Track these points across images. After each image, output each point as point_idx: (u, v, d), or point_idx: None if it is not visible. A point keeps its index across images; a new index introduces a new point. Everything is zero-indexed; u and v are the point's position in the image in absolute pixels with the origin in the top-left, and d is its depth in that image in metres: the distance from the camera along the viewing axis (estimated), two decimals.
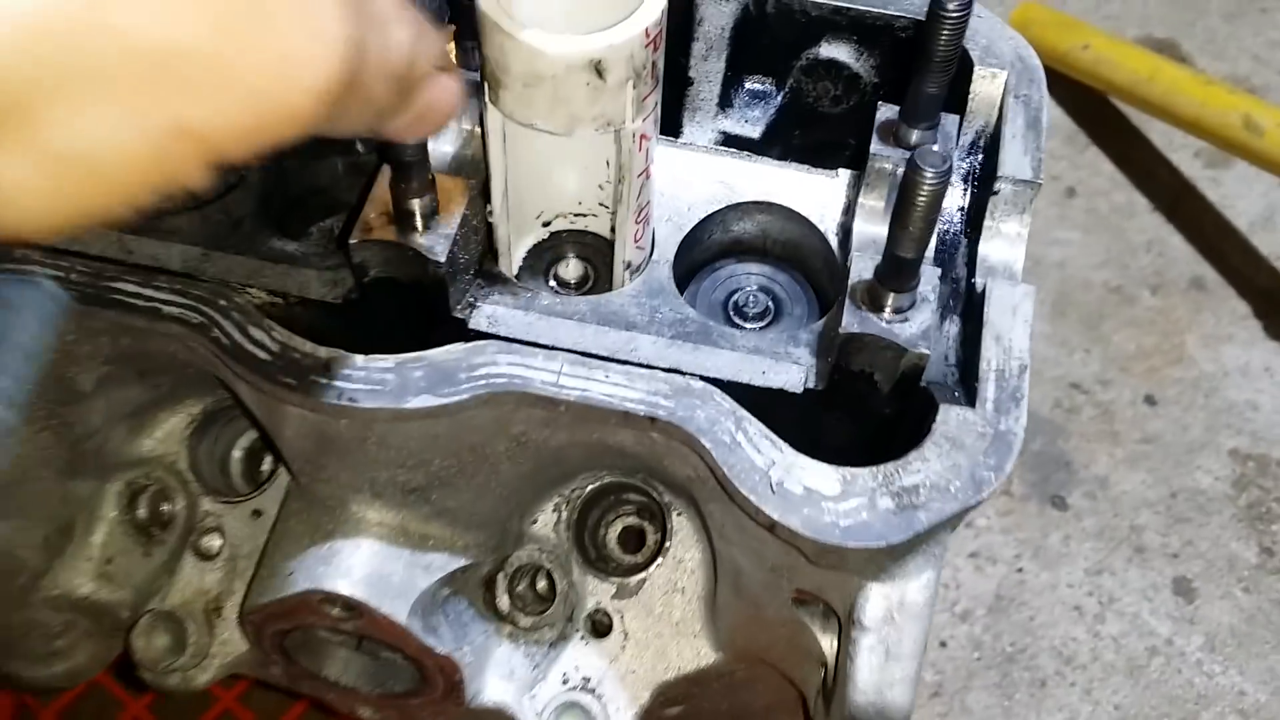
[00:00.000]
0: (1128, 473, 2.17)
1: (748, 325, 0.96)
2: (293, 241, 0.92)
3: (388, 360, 0.77)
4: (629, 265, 0.90)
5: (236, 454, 1.04)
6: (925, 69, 0.83)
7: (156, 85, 0.39)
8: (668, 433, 0.77)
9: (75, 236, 0.89)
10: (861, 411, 0.84)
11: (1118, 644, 2.06)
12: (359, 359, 0.77)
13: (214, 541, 0.98)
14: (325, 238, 1.05)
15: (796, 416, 0.86)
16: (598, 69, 0.73)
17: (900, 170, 0.88)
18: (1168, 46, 2.57)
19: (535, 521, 0.97)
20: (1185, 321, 2.30)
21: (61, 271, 0.79)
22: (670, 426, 0.76)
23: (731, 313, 0.97)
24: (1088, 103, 2.45)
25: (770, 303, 0.97)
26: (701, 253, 0.98)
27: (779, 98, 1.00)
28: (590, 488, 0.98)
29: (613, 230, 0.92)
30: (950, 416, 0.76)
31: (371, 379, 0.76)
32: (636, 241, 0.90)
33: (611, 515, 1.04)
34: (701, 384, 0.77)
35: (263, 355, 0.77)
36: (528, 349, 0.78)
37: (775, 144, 1.02)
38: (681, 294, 0.96)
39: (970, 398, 0.78)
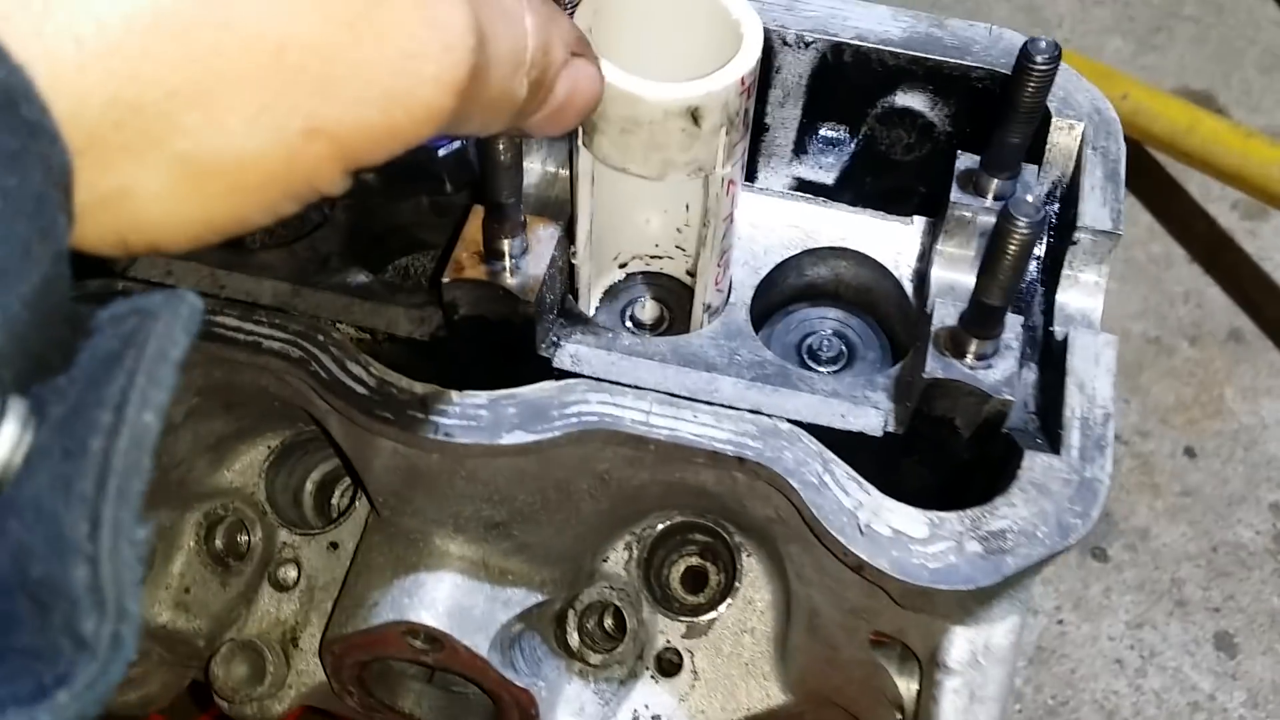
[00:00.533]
0: (1168, 525, 2.17)
1: (821, 369, 0.97)
2: (378, 278, 0.93)
3: (481, 396, 0.79)
4: (708, 308, 0.92)
5: (309, 487, 1.05)
6: (1009, 119, 0.85)
7: (281, 82, 0.38)
8: (755, 473, 0.78)
9: (169, 270, 0.91)
10: (940, 457, 0.85)
11: (1160, 698, 2.05)
12: (454, 395, 0.78)
13: (291, 573, 0.99)
14: (404, 275, 1.07)
15: (875, 460, 0.87)
16: (694, 116, 0.74)
17: (980, 218, 0.89)
18: (1204, 98, 2.59)
19: (607, 559, 0.98)
20: (1224, 373, 2.31)
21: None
22: (759, 467, 0.77)
23: (805, 356, 0.98)
24: (1127, 152, 2.47)
25: (844, 347, 0.98)
26: (777, 296, 1.00)
27: (852, 145, 1.02)
28: (660, 527, 0.99)
29: (690, 273, 0.94)
30: (1036, 463, 0.77)
31: (466, 414, 0.78)
32: (717, 285, 0.91)
33: (675, 555, 1.05)
34: (789, 425, 0.79)
35: (360, 390, 0.78)
36: (617, 388, 0.80)
37: (848, 190, 1.03)
38: (757, 333, 0.98)
39: (1054, 444, 0.79)
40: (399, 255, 1.06)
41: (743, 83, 0.75)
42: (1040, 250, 0.94)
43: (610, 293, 1.01)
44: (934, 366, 0.80)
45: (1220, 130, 2.21)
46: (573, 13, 0.75)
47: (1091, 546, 2.17)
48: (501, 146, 0.77)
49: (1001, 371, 0.80)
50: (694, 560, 1.05)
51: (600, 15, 0.77)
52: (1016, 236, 0.73)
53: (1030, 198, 0.74)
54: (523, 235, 0.84)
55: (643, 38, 0.79)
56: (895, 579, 0.73)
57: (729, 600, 0.99)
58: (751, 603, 0.98)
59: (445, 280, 0.84)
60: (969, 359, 0.81)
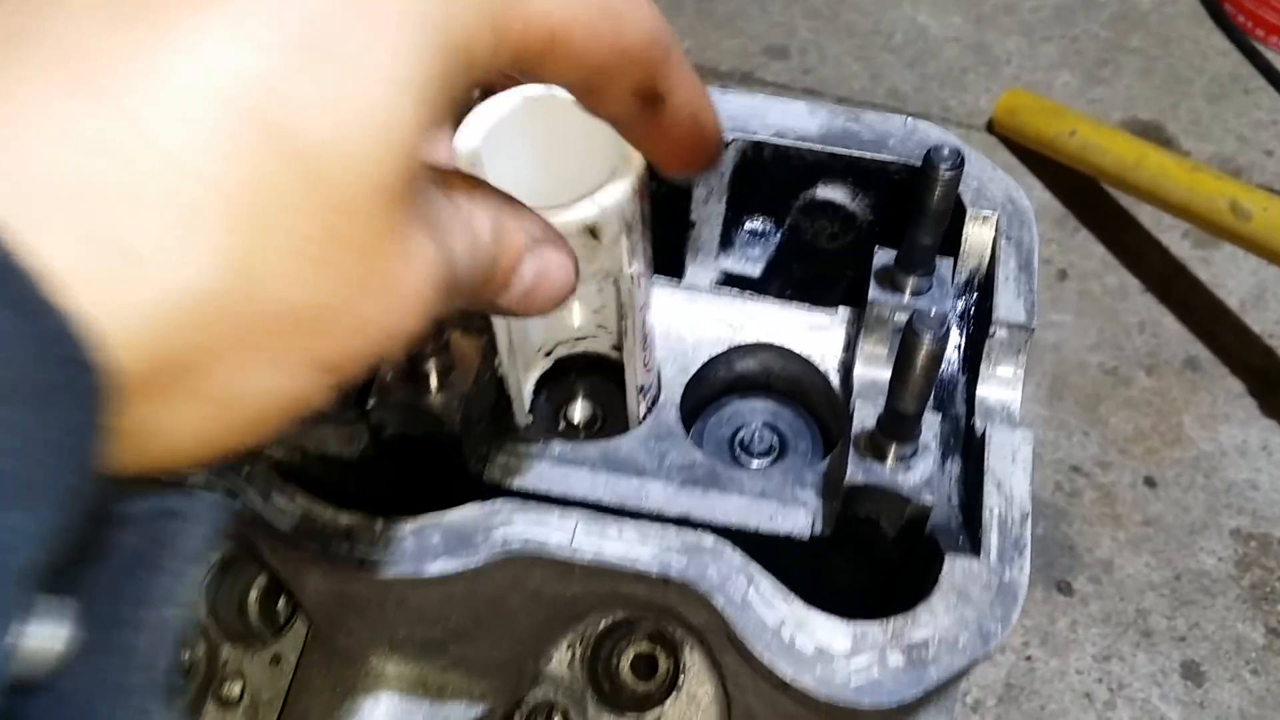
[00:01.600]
0: (1131, 556, 2.18)
1: (754, 462, 0.98)
2: None
3: (406, 524, 0.79)
4: (642, 389, 0.93)
5: (253, 595, 1.05)
6: (918, 222, 0.86)
7: (302, 337, 0.43)
8: (681, 591, 0.79)
9: None
10: (869, 556, 0.86)
11: None
12: (378, 523, 0.79)
13: (234, 689, 0.99)
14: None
15: (805, 560, 0.88)
16: (593, 232, 0.75)
17: (897, 315, 0.91)
18: (1153, 129, 2.62)
19: (550, 660, 0.99)
20: (1181, 401, 2.33)
21: None
22: (683, 585, 0.78)
23: (738, 449, 0.99)
24: (1077, 186, 2.49)
25: (775, 439, 0.99)
26: (707, 390, 1.01)
27: (778, 236, 1.03)
28: (603, 624, 1.00)
29: (615, 348, 0.94)
30: (956, 568, 0.78)
31: (391, 544, 0.78)
32: (645, 366, 0.92)
33: (624, 643, 1.05)
34: (713, 540, 0.79)
35: (285, 522, 0.79)
36: (543, 507, 0.81)
37: (776, 279, 1.05)
38: (689, 431, 0.99)
39: (975, 545, 0.81)
40: None
41: (635, 190, 0.76)
42: (962, 340, 0.95)
43: (543, 390, 1.02)
44: (854, 471, 0.82)
45: (1167, 164, 2.24)
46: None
47: (1057, 580, 2.19)
48: None
49: (920, 474, 0.81)
50: (643, 646, 1.05)
51: (487, 142, 0.78)
52: (921, 350, 0.74)
53: (934, 311, 0.75)
54: (446, 354, 0.85)
55: (531, 159, 0.81)
56: (820, 699, 0.73)
57: (673, 695, 0.99)
58: (695, 698, 0.99)
59: (370, 403, 0.84)
60: (889, 461, 0.82)
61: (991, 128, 2.62)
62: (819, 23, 2.80)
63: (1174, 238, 2.49)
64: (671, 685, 1.00)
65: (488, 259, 0.55)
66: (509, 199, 0.59)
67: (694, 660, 0.99)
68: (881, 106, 2.65)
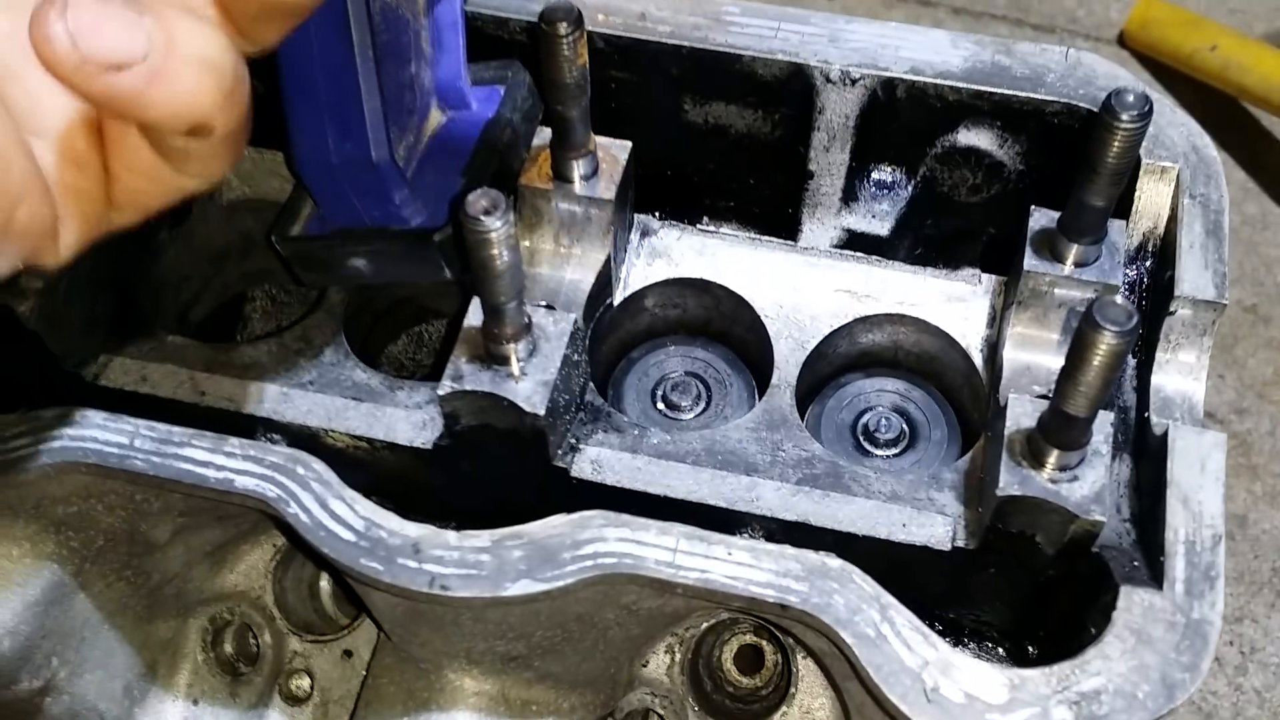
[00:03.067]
0: (1268, 509, 2.02)
1: (880, 452, 0.86)
2: (378, 373, 0.83)
3: (483, 538, 0.69)
4: None
5: (325, 580, 0.96)
6: (1090, 181, 0.72)
7: None
8: (802, 620, 0.67)
9: (144, 376, 0.81)
10: (1019, 573, 0.74)
11: (1261, 698, 1.92)
12: (451, 537, 0.69)
13: (303, 684, 0.91)
14: (417, 343, 0.97)
15: (942, 575, 0.76)
16: None
17: (1058, 290, 0.77)
18: None
19: (647, 664, 0.89)
20: None
21: (126, 437, 0.72)
22: (805, 615, 0.66)
23: (861, 437, 0.87)
24: (1215, 105, 2.28)
25: (905, 425, 0.87)
26: (826, 367, 0.88)
27: (909, 188, 0.89)
28: (705, 625, 0.89)
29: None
30: (1134, 603, 0.65)
31: (466, 561, 0.68)
32: None
33: (727, 635, 0.95)
34: (839, 563, 0.68)
35: (346, 535, 0.69)
36: (639, 521, 0.69)
37: (906, 237, 0.91)
38: (804, 413, 0.87)
39: (1154, 571, 0.68)
40: (410, 325, 0.96)
41: None
42: None
43: (636, 365, 0.91)
44: (1008, 480, 0.69)
45: None
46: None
47: None
48: (495, 248, 0.66)
49: (1090, 486, 0.68)
50: (748, 638, 0.95)
51: None
52: (1103, 346, 0.61)
53: (1120, 299, 0.61)
54: (528, 337, 0.73)
55: None
56: None
57: (784, 709, 0.88)
58: (809, 713, 0.88)
59: (441, 393, 0.73)
60: (1049, 469, 0.69)
61: (1123, 41, 2.41)
62: None
63: None
64: (783, 695, 0.90)
65: None
66: None
67: (807, 669, 0.89)
68: (1001, 19, 2.45)
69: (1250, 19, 2.42)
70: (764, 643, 0.94)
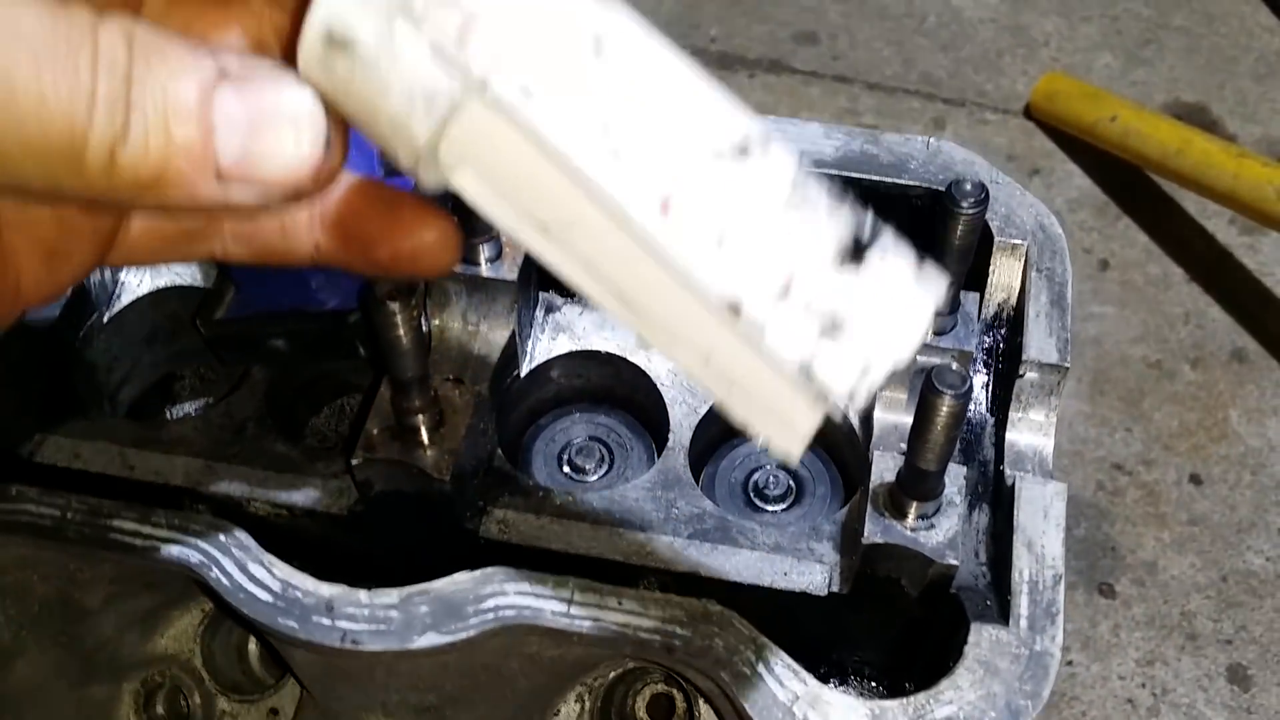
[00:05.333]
0: (1176, 556, 2.11)
1: (769, 507, 0.93)
2: (295, 445, 0.89)
3: (392, 595, 0.75)
4: None
5: (252, 642, 1.01)
6: (941, 259, 0.80)
7: None
8: (686, 663, 0.74)
9: (76, 453, 0.87)
10: (889, 614, 0.81)
11: None
12: (363, 595, 0.74)
13: None
14: (338, 415, 1.03)
15: (821, 617, 0.82)
16: (338, 41, 0.48)
17: (919, 357, 0.84)
18: (1197, 110, 2.52)
19: (558, 713, 0.94)
20: (1228, 395, 2.24)
21: (58, 509, 0.77)
22: (688, 657, 0.73)
23: (752, 494, 0.94)
24: (1118, 172, 2.40)
25: (791, 482, 0.94)
26: (719, 430, 0.95)
27: None
28: (613, 674, 0.95)
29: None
30: (983, 637, 0.73)
31: (376, 617, 0.74)
32: None
33: (640, 684, 1.01)
34: (719, 609, 0.74)
35: (264, 596, 0.74)
36: (536, 575, 0.76)
37: None
38: (699, 474, 0.93)
39: (1003, 610, 0.75)
40: (330, 399, 1.02)
41: None
42: (990, 379, 0.89)
43: (544, 430, 0.98)
44: (872, 529, 0.76)
45: (1211, 151, 2.15)
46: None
47: (1099, 582, 2.12)
48: (400, 329, 0.73)
49: (944, 533, 0.75)
50: (659, 687, 1.01)
51: None
52: (943, 408, 0.69)
53: (955, 366, 0.69)
54: (435, 409, 0.80)
55: None
56: None
57: None
58: None
59: (355, 461, 0.80)
60: (910, 519, 0.76)
61: (1029, 112, 2.53)
62: (849, 6, 2.72)
63: (1220, 224, 2.40)
64: None
65: (115, 73, 0.41)
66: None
67: (709, 715, 0.94)
68: (914, 93, 2.57)
69: (1150, 90, 2.56)
70: (674, 691, 0.99)
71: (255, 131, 0.45)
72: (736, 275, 0.44)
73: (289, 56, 0.51)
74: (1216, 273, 2.35)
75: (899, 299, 0.44)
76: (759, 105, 2.58)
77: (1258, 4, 2.68)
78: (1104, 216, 2.40)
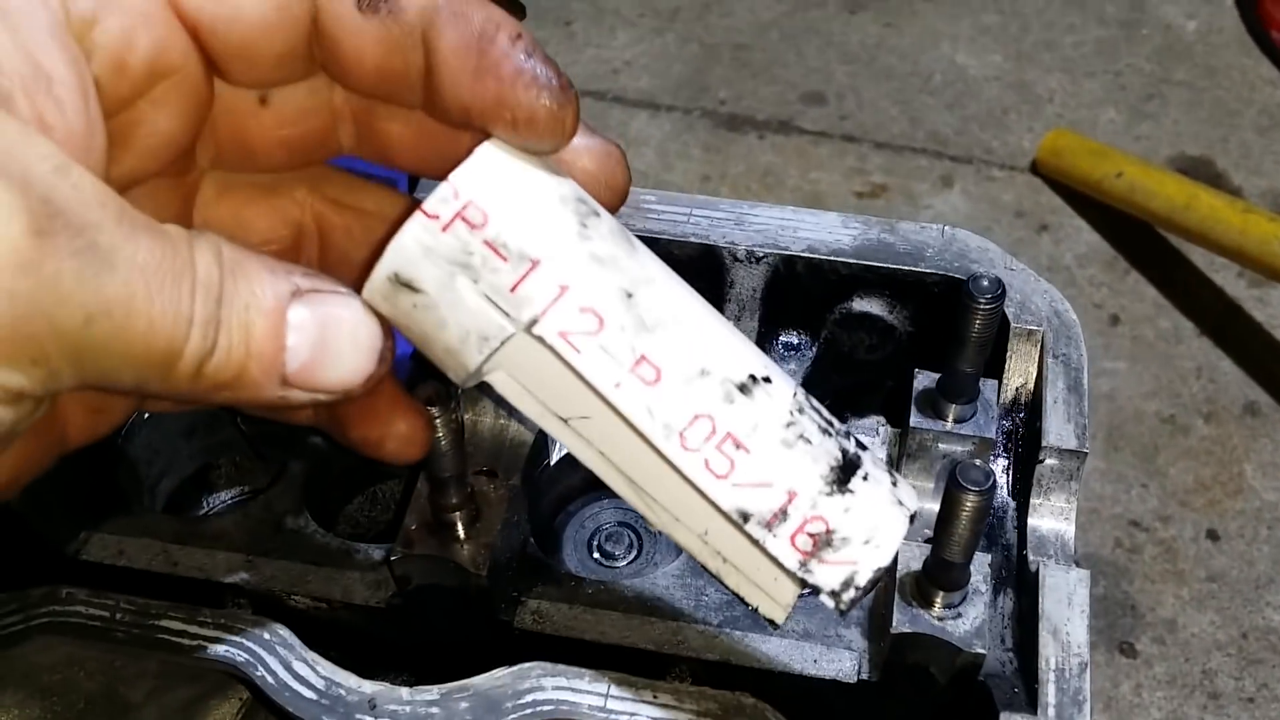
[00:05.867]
0: (1195, 614, 2.11)
1: None
2: (336, 534, 0.92)
3: (432, 691, 0.76)
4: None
5: None
6: (959, 350, 0.82)
7: None
8: None
9: (120, 549, 0.89)
10: (918, 702, 0.82)
11: None
12: (404, 692, 0.76)
13: None
14: (371, 502, 1.05)
15: (851, 705, 0.84)
16: (405, 283, 0.53)
17: (939, 445, 0.87)
18: (1202, 164, 2.56)
19: None
20: (1242, 449, 2.26)
21: (108, 610, 0.80)
22: None
23: None
24: (1125, 227, 2.43)
25: None
26: None
27: (814, 349, 1.00)
28: None
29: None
30: None
31: (417, 714, 0.75)
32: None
33: None
34: (752, 701, 0.76)
35: (308, 694, 0.76)
36: (573, 670, 0.77)
37: (814, 389, 1.01)
38: None
39: (1030, 698, 0.76)
40: (364, 486, 1.04)
41: (436, 218, 0.52)
42: (1010, 462, 0.91)
43: (573, 518, 1.00)
44: (900, 619, 0.78)
45: (1218, 206, 2.18)
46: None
47: (1119, 642, 2.12)
48: (440, 432, 0.75)
49: (971, 621, 0.77)
50: None
51: None
52: (968, 503, 0.71)
53: (978, 462, 0.71)
54: (471, 506, 0.82)
55: None
56: None
57: None
58: None
59: (394, 557, 0.82)
60: (937, 608, 0.78)
61: (1035, 169, 2.57)
62: (856, 67, 2.76)
63: (1229, 277, 2.42)
64: None
65: (210, 296, 0.46)
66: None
67: None
68: (921, 151, 2.60)
69: (1155, 143, 2.59)
70: None
71: (322, 345, 0.50)
72: (743, 496, 0.51)
73: (339, 256, 0.59)
74: (1227, 326, 2.38)
75: (879, 518, 0.52)
76: (768, 166, 2.61)
77: (1259, 57, 2.72)
78: (1113, 271, 2.43)
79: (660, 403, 0.51)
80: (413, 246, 0.51)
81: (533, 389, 0.54)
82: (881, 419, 0.99)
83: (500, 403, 0.93)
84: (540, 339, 0.51)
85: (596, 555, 0.98)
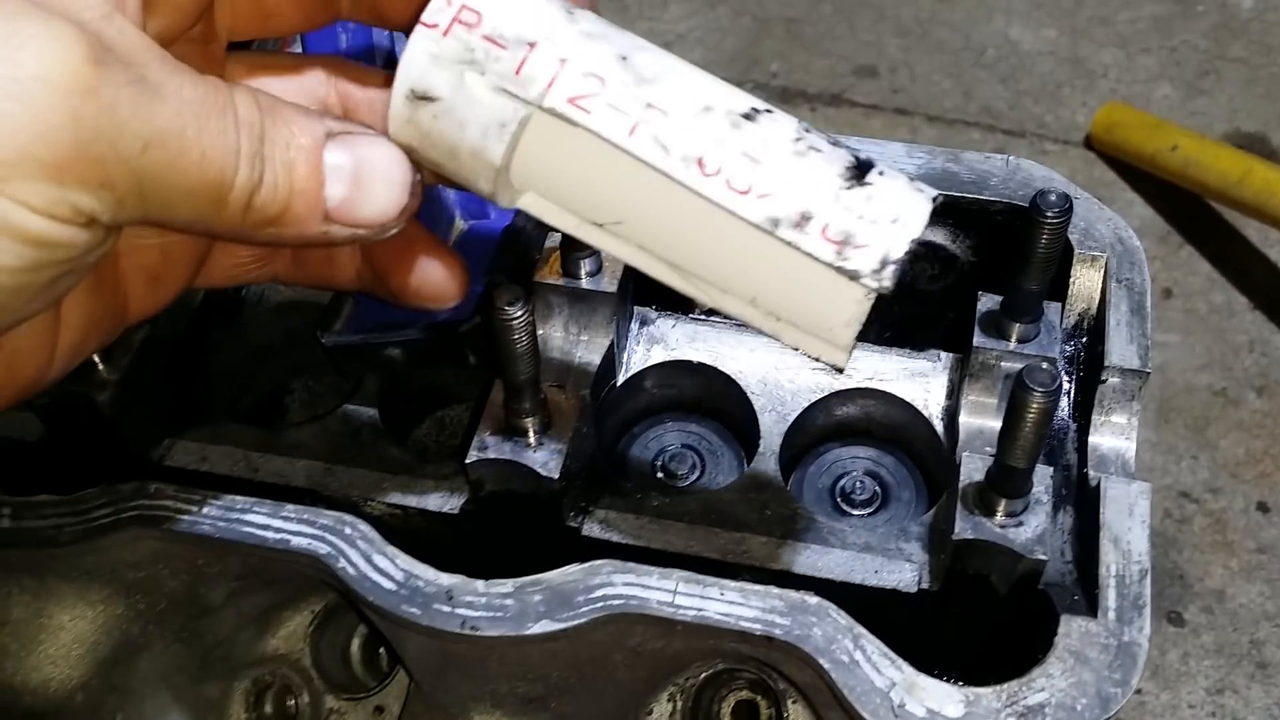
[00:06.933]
0: (1244, 584, 2.11)
1: (855, 512, 0.96)
2: (409, 449, 0.94)
3: (507, 585, 0.79)
4: None
5: (355, 645, 1.06)
6: (1024, 269, 0.84)
7: None
8: (785, 650, 0.77)
9: (203, 456, 0.92)
10: (979, 611, 0.84)
11: None
12: (480, 585, 0.79)
13: None
14: (439, 427, 1.08)
15: (912, 615, 0.86)
16: (420, 95, 0.57)
17: (1003, 364, 0.88)
18: (1257, 140, 2.54)
19: (650, 713, 0.98)
20: None
21: (195, 505, 0.83)
22: (788, 645, 0.76)
23: (839, 499, 0.97)
24: (1180, 201, 2.42)
25: (877, 488, 0.97)
26: (806, 438, 0.99)
27: None
28: (704, 675, 0.98)
29: None
30: (1072, 628, 0.76)
31: (493, 605, 0.78)
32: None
33: (725, 691, 1.04)
34: (817, 600, 0.78)
35: (387, 585, 0.79)
36: (643, 568, 0.80)
37: (874, 321, 1.02)
38: (788, 478, 0.97)
39: (1091, 604, 0.78)
40: (433, 410, 1.07)
41: (435, 26, 0.56)
42: (1072, 387, 0.92)
43: (639, 437, 1.02)
44: (963, 527, 0.79)
45: (1272, 179, 2.17)
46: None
47: (1167, 611, 2.12)
48: (517, 334, 0.78)
49: (1033, 529, 0.79)
50: (744, 694, 1.04)
51: None
52: (1034, 405, 0.72)
53: (1045, 365, 0.72)
54: (544, 412, 0.84)
55: None
56: None
57: None
58: None
59: (468, 461, 0.84)
60: (999, 516, 0.79)
61: (1089, 143, 2.56)
62: (908, 40, 2.77)
63: None
64: None
65: (252, 134, 0.50)
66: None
67: (796, 712, 0.98)
68: (974, 124, 2.60)
69: (1210, 120, 2.58)
70: (759, 698, 1.03)
71: (357, 181, 0.55)
72: (768, 205, 0.54)
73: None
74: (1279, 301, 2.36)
75: (902, 200, 0.55)
76: None
77: None
78: (1166, 245, 2.42)
79: (672, 138, 0.55)
80: (421, 58, 0.55)
81: (563, 198, 0.58)
82: (937, 351, 1.01)
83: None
84: (551, 110, 0.55)
85: (661, 475, 1.00)
